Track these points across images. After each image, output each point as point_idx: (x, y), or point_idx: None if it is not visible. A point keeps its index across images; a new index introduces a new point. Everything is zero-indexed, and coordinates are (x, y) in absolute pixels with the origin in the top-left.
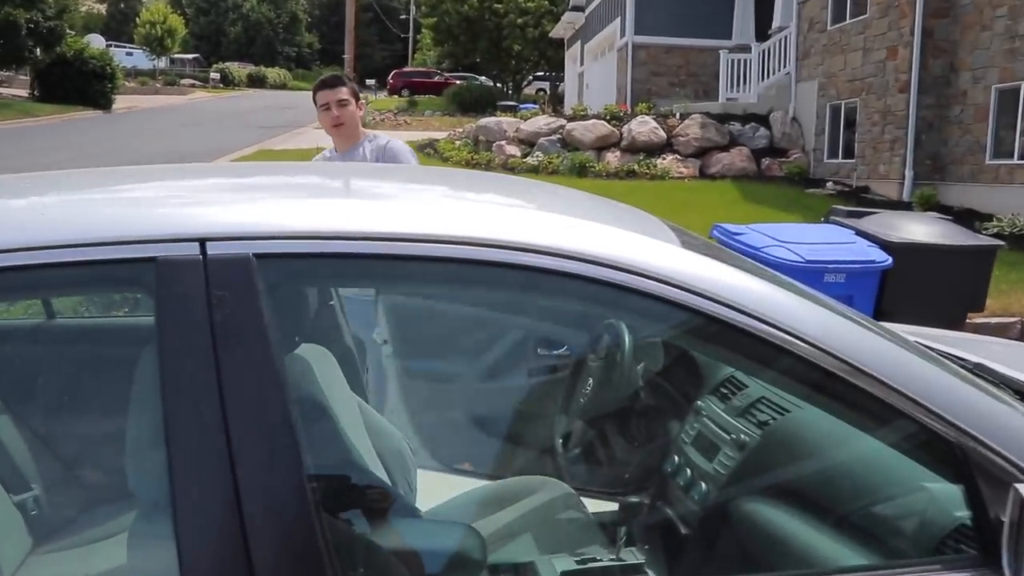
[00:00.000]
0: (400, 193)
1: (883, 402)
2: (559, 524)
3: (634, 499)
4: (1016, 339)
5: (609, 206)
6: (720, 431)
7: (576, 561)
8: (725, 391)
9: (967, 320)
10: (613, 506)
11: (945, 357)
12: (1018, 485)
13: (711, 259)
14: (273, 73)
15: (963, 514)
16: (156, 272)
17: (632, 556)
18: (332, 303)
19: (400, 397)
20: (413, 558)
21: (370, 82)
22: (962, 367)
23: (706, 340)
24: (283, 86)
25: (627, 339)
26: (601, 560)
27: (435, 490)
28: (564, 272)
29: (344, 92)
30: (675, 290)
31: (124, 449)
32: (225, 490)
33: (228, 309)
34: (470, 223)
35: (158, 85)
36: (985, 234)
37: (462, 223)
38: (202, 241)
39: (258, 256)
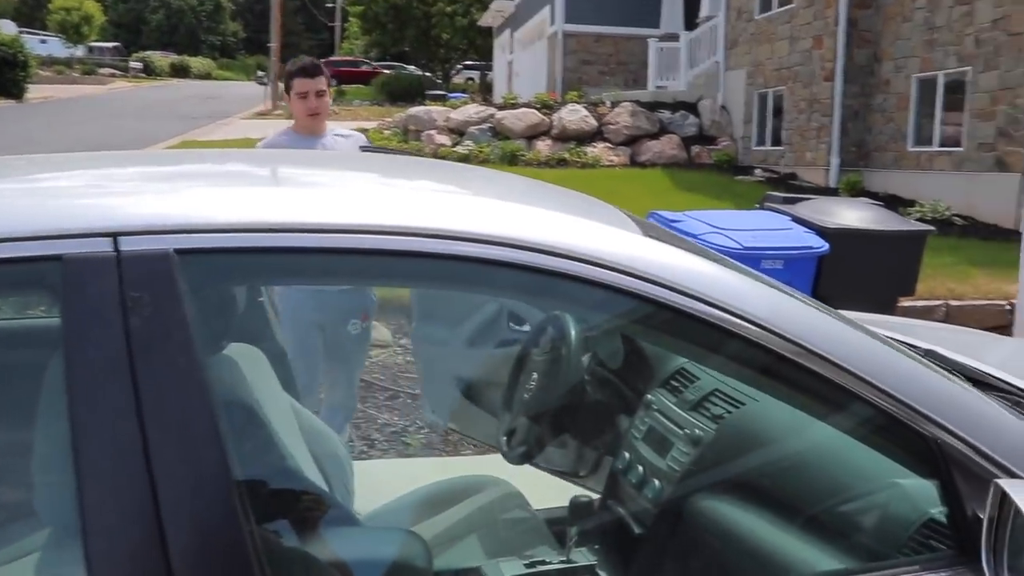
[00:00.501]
0: (332, 182)
1: (853, 394)
2: (505, 525)
3: (583, 498)
4: (940, 321)
5: (550, 191)
6: (672, 426)
7: (524, 564)
8: (676, 384)
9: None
10: (561, 505)
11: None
12: (999, 481)
13: (659, 243)
14: (197, 62)
15: (933, 509)
16: (63, 272)
17: (583, 557)
18: (262, 299)
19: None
20: (353, 568)
21: None
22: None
23: (655, 328)
24: (207, 76)
25: (572, 331)
26: (551, 562)
27: (377, 487)
28: (502, 261)
29: (323, 82)
30: (622, 276)
31: (30, 466)
32: (143, 509)
33: (146, 312)
34: (407, 212)
35: (76, 75)
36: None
37: (398, 213)
38: (115, 236)
39: (180, 252)
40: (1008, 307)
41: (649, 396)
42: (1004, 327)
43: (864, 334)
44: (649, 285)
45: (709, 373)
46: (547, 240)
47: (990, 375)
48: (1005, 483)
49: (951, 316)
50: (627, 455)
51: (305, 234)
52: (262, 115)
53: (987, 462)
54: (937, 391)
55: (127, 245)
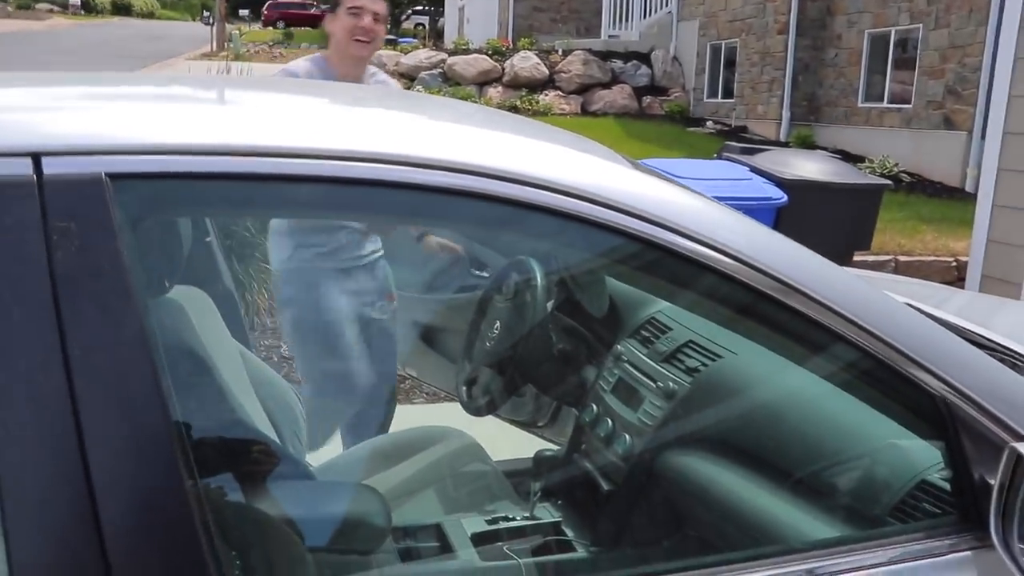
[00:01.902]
0: (290, 104)
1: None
2: (464, 479)
3: (547, 451)
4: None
5: (514, 119)
6: (644, 378)
7: (486, 520)
8: (647, 334)
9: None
10: (524, 458)
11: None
12: (1017, 445)
13: (630, 169)
14: (140, 0)
15: (927, 471)
16: None
17: (547, 513)
18: (209, 239)
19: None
20: (307, 525)
21: (243, 13)
22: None
23: (629, 264)
24: (151, 15)
25: (538, 275)
26: (514, 519)
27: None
28: (468, 191)
29: (384, 6)
30: (593, 207)
31: None
32: (69, 470)
33: (73, 245)
34: (368, 138)
35: (9, 8)
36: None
37: (359, 138)
38: (36, 156)
39: (112, 176)
40: (954, 263)
41: (619, 346)
42: (951, 283)
43: (859, 278)
44: (625, 217)
45: (681, 324)
46: (514, 168)
47: (965, 328)
48: (1022, 447)
49: (900, 271)
50: (595, 408)
51: (257, 158)
52: (208, 56)
53: (998, 426)
54: (943, 345)
55: (51, 167)
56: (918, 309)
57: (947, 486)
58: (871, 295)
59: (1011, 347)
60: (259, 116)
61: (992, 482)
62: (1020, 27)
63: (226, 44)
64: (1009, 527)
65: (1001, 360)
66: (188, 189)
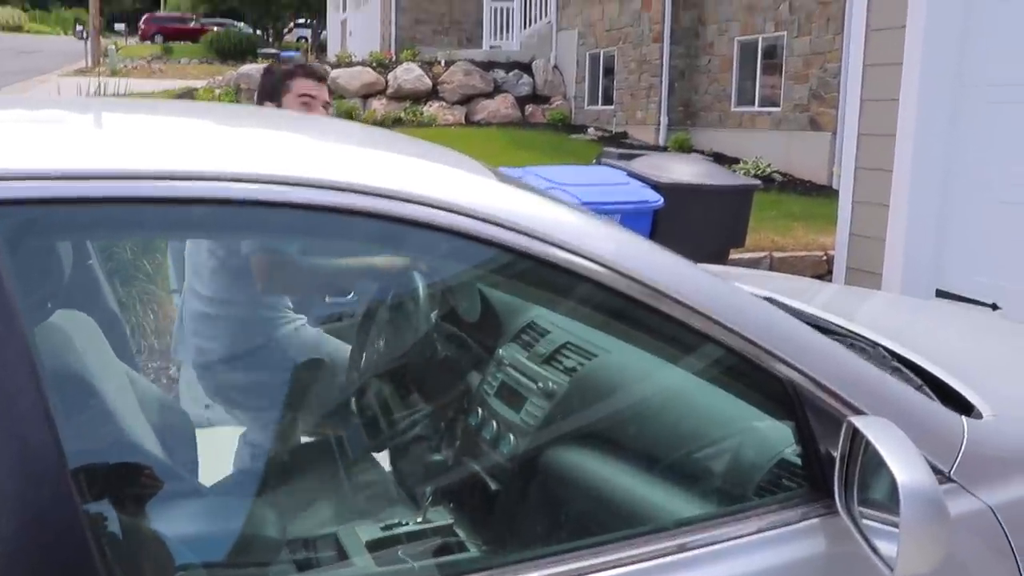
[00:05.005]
0: (168, 128)
1: (708, 337)
2: (357, 487)
3: (437, 456)
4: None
5: (391, 137)
6: (525, 380)
7: (381, 528)
8: (527, 338)
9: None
10: (415, 465)
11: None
12: (852, 419)
13: (508, 186)
14: (5, 13)
15: (785, 449)
16: None
17: (440, 517)
18: (91, 262)
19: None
20: (201, 542)
21: (119, 27)
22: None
23: (504, 274)
24: (18, 28)
25: (419, 284)
26: (408, 524)
27: (223, 455)
28: (347, 209)
29: (327, 92)
30: (471, 221)
31: None
32: None
33: None
34: (245, 158)
35: None
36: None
37: (236, 158)
38: None
39: None
40: (824, 257)
41: (501, 351)
42: (822, 276)
43: (716, 278)
44: (502, 230)
45: (560, 326)
46: (392, 186)
47: (823, 318)
48: (857, 420)
49: (775, 267)
50: (480, 411)
51: (130, 181)
52: (82, 72)
53: (838, 402)
54: (790, 334)
55: None
56: (776, 302)
57: (800, 462)
58: (729, 295)
59: (857, 331)
60: (135, 139)
61: (835, 454)
62: (866, 38)
63: (101, 59)
64: (850, 494)
65: (850, 345)
66: (65, 213)
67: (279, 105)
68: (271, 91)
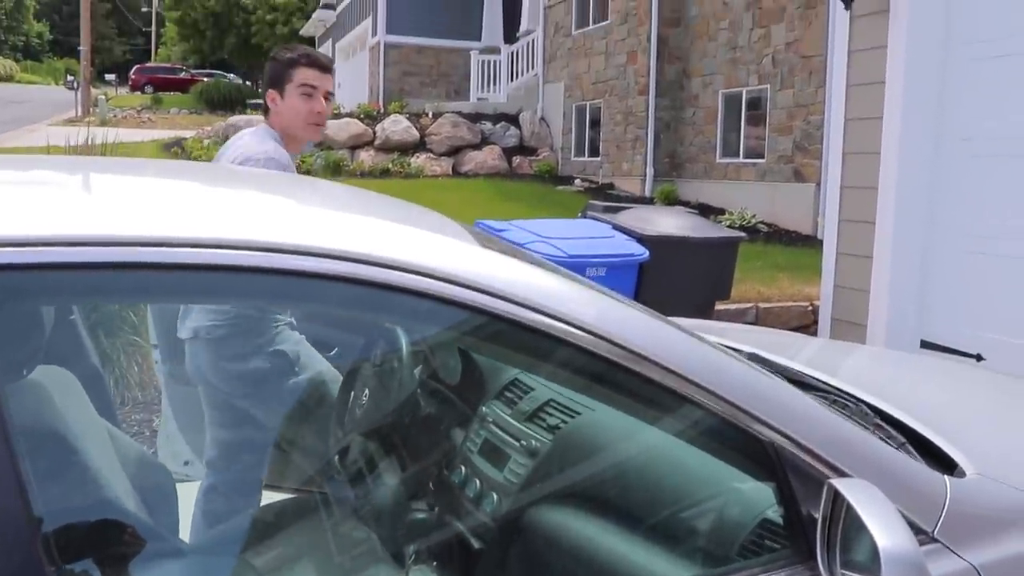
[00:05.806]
0: (146, 192)
1: (690, 400)
2: (341, 546)
3: (420, 515)
4: (752, 323)
5: (375, 200)
6: (509, 438)
7: None
8: (510, 395)
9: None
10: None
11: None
12: (833, 481)
13: (490, 252)
14: None
15: (768, 510)
16: None
17: (423, 575)
18: (73, 317)
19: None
20: None
21: (110, 78)
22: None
23: (487, 338)
24: (10, 78)
25: (403, 344)
26: None
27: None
28: (325, 274)
29: (331, 82)
30: (454, 287)
31: None
32: None
33: None
34: (225, 223)
35: None
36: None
37: (217, 224)
38: None
39: None
40: (810, 308)
41: (484, 408)
42: (808, 326)
43: (697, 340)
44: (481, 295)
45: (543, 383)
46: (374, 252)
47: (807, 375)
48: (838, 482)
49: (761, 318)
50: (463, 469)
51: (108, 248)
52: (72, 122)
53: (820, 463)
54: (771, 396)
55: None
56: (759, 358)
57: (782, 522)
58: (710, 357)
59: (840, 387)
60: (118, 204)
61: (817, 516)
62: (847, 93)
63: (92, 109)
64: (833, 556)
65: (833, 402)
66: (47, 279)
67: (282, 93)
68: (275, 80)
